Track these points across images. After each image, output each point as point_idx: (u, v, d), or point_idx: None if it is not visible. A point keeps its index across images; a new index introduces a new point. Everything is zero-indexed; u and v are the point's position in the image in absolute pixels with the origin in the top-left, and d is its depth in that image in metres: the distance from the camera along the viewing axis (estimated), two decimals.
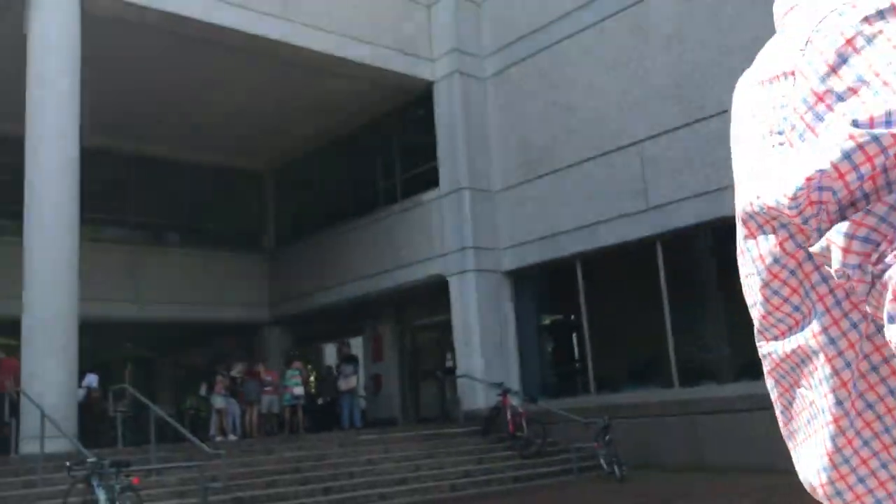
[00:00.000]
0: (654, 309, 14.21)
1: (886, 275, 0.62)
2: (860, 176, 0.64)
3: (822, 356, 0.74)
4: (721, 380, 13.21)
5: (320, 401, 20.09)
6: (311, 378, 21.01)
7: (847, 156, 0.65)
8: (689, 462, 12.79)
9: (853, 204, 0.65)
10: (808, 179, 0.67)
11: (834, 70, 0.68)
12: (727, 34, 13.07)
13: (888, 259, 0.63)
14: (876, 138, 0.63)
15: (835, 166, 0.65)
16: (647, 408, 13.80)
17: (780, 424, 0.84)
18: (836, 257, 0.66)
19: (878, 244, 0.64)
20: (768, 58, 0.78)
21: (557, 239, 15.66)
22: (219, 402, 16.96)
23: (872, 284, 0.64)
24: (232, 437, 16.30)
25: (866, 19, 0.68)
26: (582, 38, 15.60)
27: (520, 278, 16.68)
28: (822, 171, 0.66)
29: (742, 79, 0.81)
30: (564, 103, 15.76)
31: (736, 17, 13.08)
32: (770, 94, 0.75)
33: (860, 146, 0.64)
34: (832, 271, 0.68)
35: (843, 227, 0.65)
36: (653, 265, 14.32)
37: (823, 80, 0.68)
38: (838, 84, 0.67)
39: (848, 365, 0.72)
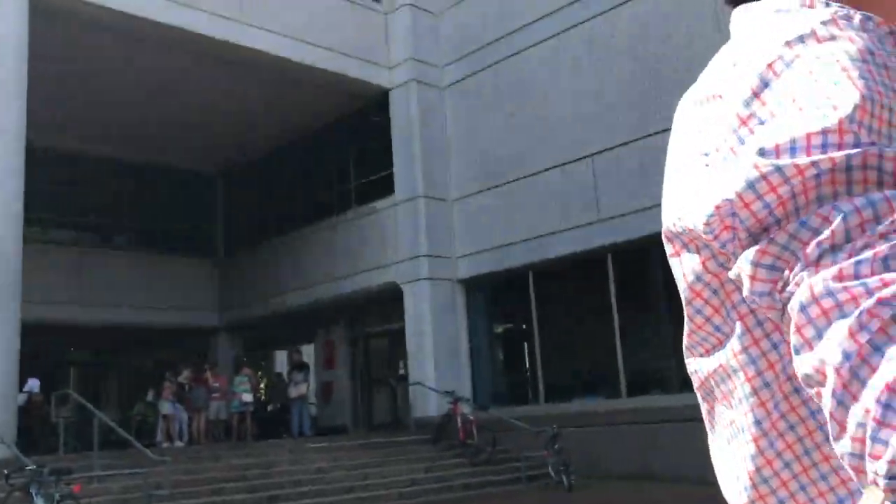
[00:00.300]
0: (604, 319, 14.37)
1: (789, 305, 0.63)
2: (766, 205, 0.65)
3: (741, 375, 0.76)
4: (668, 390, 13.40)
5: (270, 408, 19.90)
6: (261, 385, 20.81)
7: (751, 186, 0.66)
8: (636, 471, 12.93)
9: (766, 230, 0.66)
10: (717, 208, 0.68)
11: (756, 94, 0.69)
12: (683, 49, 13.31)
13: (790, 288, 0.64)
14: (779, 168, 0.64)
15: (739, 196, 0.66)
16: (595, 417, 13.93)
17: (709, 441, 0.85)
18: (745, 284, 0.67)
19: (783, 272, 0.64)
20: (704, 78, 0.78)
21: (511, 248, 15.74)
22: (166, 407, 16.70)
23: (783, 312, 0.65)
24: (179, 444, 16.07)
25: (787, 44, 0.69)
26: (540, 50, 15.76)
27: (473, 287, 16.73)
28: (729, 201, 0.67)
29: (683, 98, 0.82)
30: (522, 114, 15.89)
31: (691, 32, 13.33)
32: (702, 114, 0.76)
33: (764, 176, 0.65)
34: (745, 297, 0.69)
35: (750, 254, 0.66)
36: (603, 276, 14.49)
37: (746, 103, 0.69)
38: (759, 108, 0.68)
39: (767, 385, 0.73)
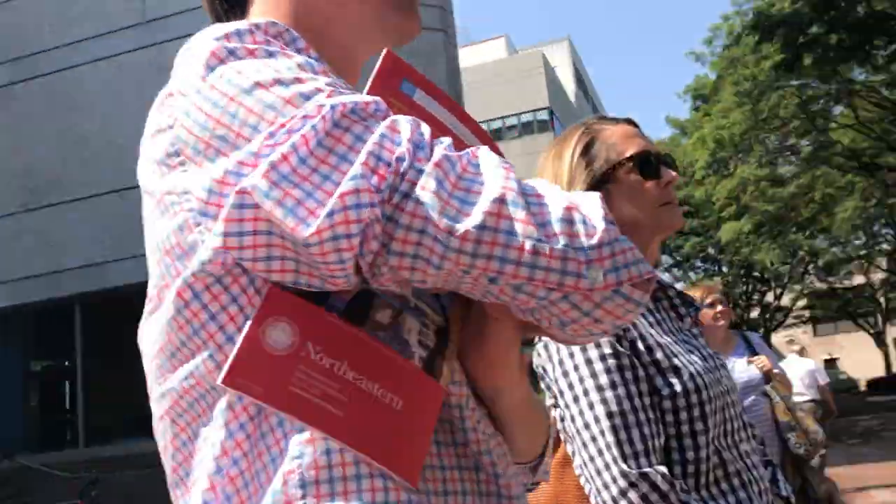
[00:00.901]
0: None
1: (408, 208, 0.67)
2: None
3: (219, 391, 0.74)
4: None
5: None
6: None
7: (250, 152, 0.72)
8: None
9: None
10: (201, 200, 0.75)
11: (203, 79, 0.76)
12: None
13: (409, 176, 0.68)
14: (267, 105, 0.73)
15: (218, 181, 0.73)
16: (140, 459, 13.36)
17: (169, 471, 0.81)
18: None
19: (386, 179, 0.67)
20: (151, 114, 0.85)
21: (57, 277, 14.73)
22: None
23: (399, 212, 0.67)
24: None
25: (226, 36, 0.79)
26: (102, 68, 15.13)
27: (8, 318, 15.29)
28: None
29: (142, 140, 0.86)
30: (77, 132, 14.99)
31: None
32: (157, 119, 0.81)
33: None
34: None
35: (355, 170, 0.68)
36: None
37: (199, 91, 0.75)
38: (210, 91, 0.75)
39: (240, 398, 0.73)
